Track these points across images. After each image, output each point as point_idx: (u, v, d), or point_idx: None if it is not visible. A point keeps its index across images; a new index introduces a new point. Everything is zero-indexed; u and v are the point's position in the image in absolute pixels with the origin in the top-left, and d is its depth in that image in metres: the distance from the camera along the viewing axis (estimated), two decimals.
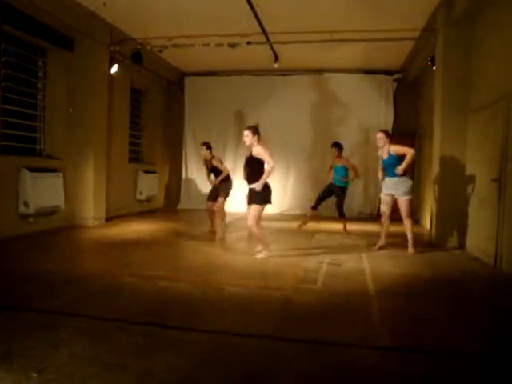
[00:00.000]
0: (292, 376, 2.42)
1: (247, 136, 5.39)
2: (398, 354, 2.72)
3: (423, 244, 6.78)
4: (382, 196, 6.17)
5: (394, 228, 6.45)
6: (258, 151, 5.33)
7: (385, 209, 6.12)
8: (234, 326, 3.10)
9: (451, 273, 5.04)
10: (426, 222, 8.07)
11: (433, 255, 5.97)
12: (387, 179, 6.03)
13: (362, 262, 5.36)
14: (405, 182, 5.88)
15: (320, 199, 8.04)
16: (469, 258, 5.87)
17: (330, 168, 8.05)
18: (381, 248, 6.17)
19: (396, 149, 5.93)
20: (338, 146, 7.97)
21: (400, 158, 5.86)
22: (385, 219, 6.16)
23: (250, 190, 5.41)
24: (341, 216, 7.92)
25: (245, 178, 5.57)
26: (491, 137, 5.64)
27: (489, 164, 5.67)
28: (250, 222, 5.34)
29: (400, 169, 5.78)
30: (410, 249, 5.96)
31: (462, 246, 6.45)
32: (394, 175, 5.87)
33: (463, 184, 6.50)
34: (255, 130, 5.42)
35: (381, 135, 6.02)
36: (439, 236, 6.71)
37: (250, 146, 5.45)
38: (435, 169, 6.90)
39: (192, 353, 2.63)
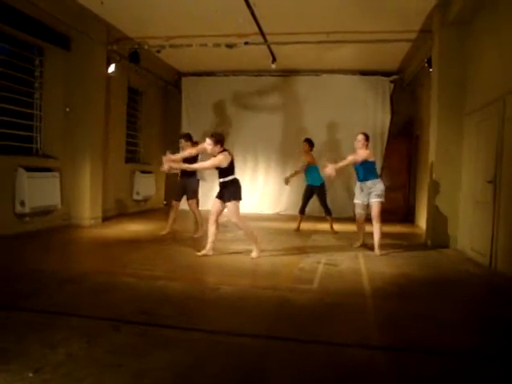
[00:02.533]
0: (286, 375, 2.42)
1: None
2: (394, 354, 2.73)
3: (419, 245, 6.82)
4: (359, 202, 6.04)
5: (388, 228, 6.47)
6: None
7: (363, 212, 6.12)
8: (229, 326, 3.11)
9: (447, 273, 5.07)
10: (423, 223, 8.09)
11: (428, 256, 5.99)
12: (361, 183, 5.97)
13: (358, 262, 5.38)
14: (378, 184, 5.86)
15: (305, 202, 8.01)
16: (464, 259, 5.90)
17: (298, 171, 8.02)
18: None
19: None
20: (309, 141, 7.87)
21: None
22: (363, 222, 6.23)
23: (223, 187, 5.46)
24: (327, 213, 7.89)
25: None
26: (486, 138, 5.67)
27: (484, 166, 5.69)
28: (234, 218, 5.44)
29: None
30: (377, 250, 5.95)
31: (457, 246, 6.48)
32: (370, 178, 5.84)
33: (459, 185, 6.53)
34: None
35: (362, 137, 5.92)
36: (435, 237, 6.73)
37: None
38: (431, 170, 6.93)
39: (187, 352, 2.64)
